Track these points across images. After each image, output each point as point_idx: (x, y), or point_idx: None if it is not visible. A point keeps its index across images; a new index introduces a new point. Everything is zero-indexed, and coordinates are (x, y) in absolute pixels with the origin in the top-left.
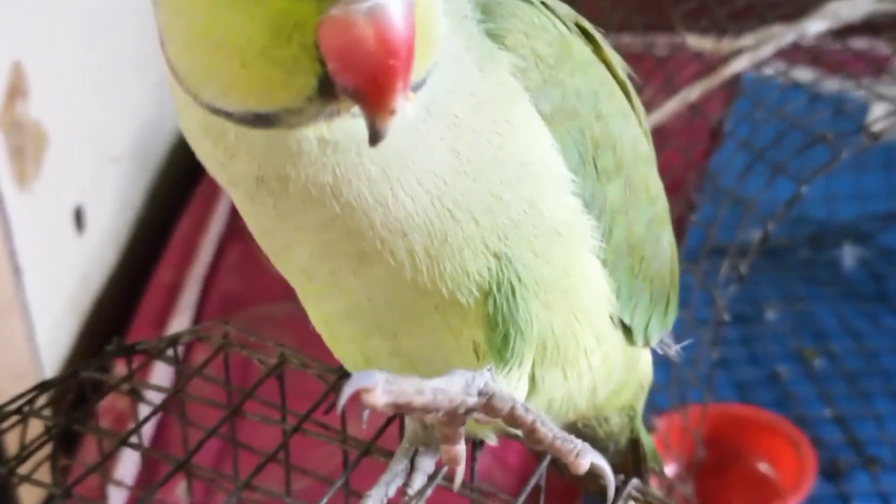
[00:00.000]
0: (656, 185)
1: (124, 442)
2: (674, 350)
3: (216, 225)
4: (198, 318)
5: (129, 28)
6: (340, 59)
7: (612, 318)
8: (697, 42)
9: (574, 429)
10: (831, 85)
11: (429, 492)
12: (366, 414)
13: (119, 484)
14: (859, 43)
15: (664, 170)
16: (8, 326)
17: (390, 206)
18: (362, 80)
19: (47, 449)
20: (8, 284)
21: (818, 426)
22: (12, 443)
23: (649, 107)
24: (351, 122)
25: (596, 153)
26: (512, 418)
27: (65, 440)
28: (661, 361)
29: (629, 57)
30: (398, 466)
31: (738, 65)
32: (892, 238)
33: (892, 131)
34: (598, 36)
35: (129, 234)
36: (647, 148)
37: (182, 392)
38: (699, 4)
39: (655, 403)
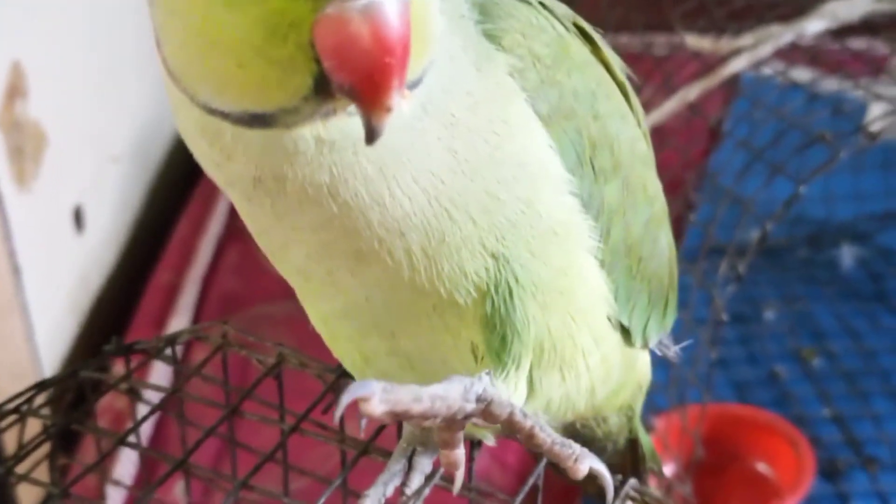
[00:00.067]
0: (654, 186)
1: (123, 441)
2: (672, 351)
3: (215, 225)
4: (197, 318)
5: (128, 28)
6: (336, 57)
7: (610, 320)
8: (696, 42)
9: (572, 429)
10: (830, 85)
11: (426, 491)
12: (363, 422)
13: (117, 483)
14: (857, 43)
15: (663, 169)
16: (7, 326)
17: (387, 206)
18: (358, 77)
19: (46, 448)
20: (7, 284)
21: (817, 426)
22: (10, 442)
23: (648, 106)
24: (347, 122)
25: (593, 154)
26: (510, 424)
27: (63, 439)
28: (659, 361)
29: (627, 57)
30: (396, 466)
31: (737, 64)
32: (890, 238)
33: (891, 131)
34: (596, 36)
35: (129, 234)
36: (645, 148)
37: (180, 392)
38: (698, 4)
39: (654, 403)
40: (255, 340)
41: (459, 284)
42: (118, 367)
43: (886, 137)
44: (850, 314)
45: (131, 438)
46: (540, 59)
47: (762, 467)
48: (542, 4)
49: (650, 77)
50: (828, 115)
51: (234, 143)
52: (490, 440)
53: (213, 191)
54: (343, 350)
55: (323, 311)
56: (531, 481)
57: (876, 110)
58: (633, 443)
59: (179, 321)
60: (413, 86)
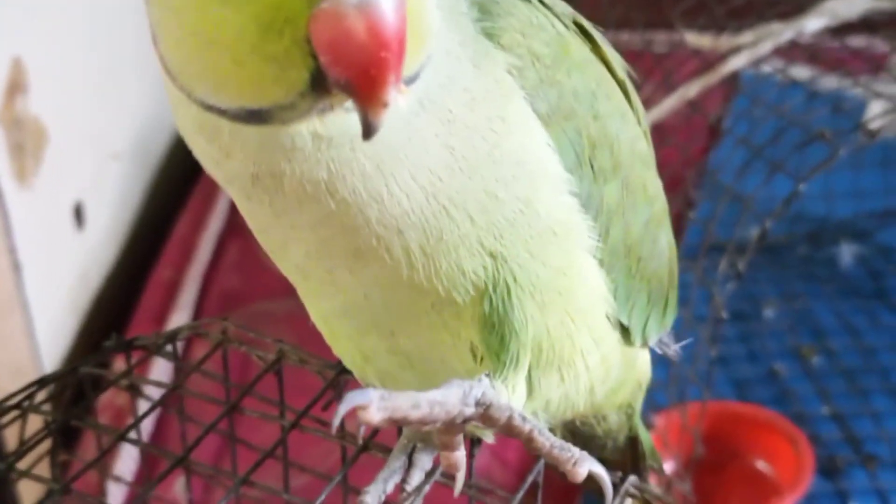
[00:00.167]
0: (654, 186)
1: (123, 437)
2: (672, 349)
3: (215, 222)
4: (197, 315)
5: (129, 25)
6: (332, 52)
7: (609, 319)
8: (696, 39)
9: (572, 427)
10: (829, 82)
11: (427, 488)
12: (362, 429)
13: (118, 479)
14: (857, 41)
15: (662, 167)
16: (7, 323)
17: (385, 203)
18: (354, 72)
19: (46, 444)
20: (7, 281)
21: (816, 423)
22: (11, 438)
23: (648, 104)
24: (344, 118)
25: (593, 153)
26: (509, 428)
27: (64, 436)
28: (660, 359)
29: (628, 54)
30: (396, 463)
31: (737, 62)
32: (889, 235)
33: (890, 129)
34: (596, 34)
35: (129, 231)
36: (645, 148)
37: (181, 388)
38: (698, 2)
39: (654, 401)
40: (255, 337)
41: (457, 283)
42: (118, 364)
43: (886, 135)
44: (849, 312)
45: (132, 435)
46: (539, 58)
47: (762, 465)
48: (541, 3)
49: (650, 75)
50: (827, 112)
51: (231, 140)
52: (489, 438)
53: (213, 188)
54: (343, 348)
55: (323, 309)
56: (531, 478)
57: (875, 108)
58: (633, 440)
59: (180, 318)
60: (410, 81)
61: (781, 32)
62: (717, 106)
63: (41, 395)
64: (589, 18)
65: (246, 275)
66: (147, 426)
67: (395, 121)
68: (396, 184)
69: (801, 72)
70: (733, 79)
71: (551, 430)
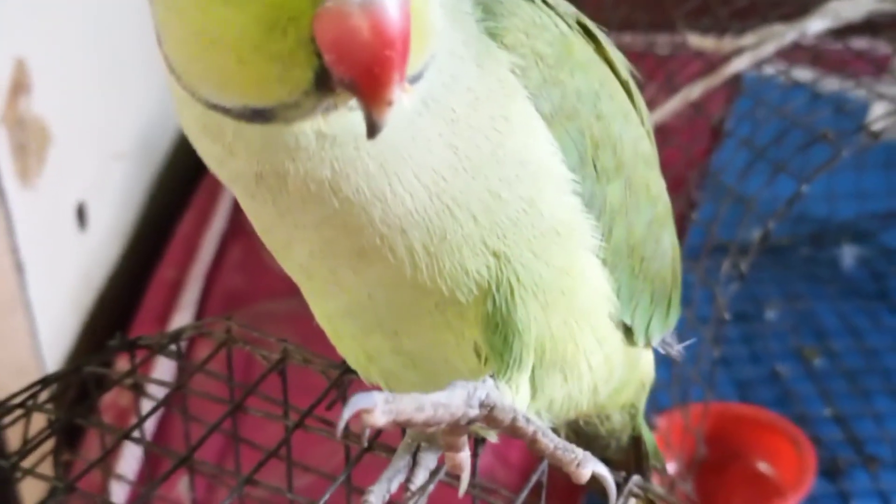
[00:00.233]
0: (657, 186)
1: (126, 437)
2: (676, 349)
3: (218, 222)
4: (200, 315)
5: (132, 24)
6: (336, 50)
7: (612, 319)
8: (699, 41)
9: (576, 426)
10: (832, 84)
11: (431, 488)
12: (367, 432)
13: (121, 479)
14: (860, 42)
15: (665, 168)
16: (10, 323)
17: (389, 202)
18: (358, 71)
19: (50, 443)
20: (10, 281)
21: (818, 425)
22: (15, 437)
23: (651, 105)
24: (348, 116)
25: (596, 154)
26: (513, 429)
27: (67, 435)
28: (662, 360)
29: (630, 56)
30: (400, 462)
31: (740, 64)
32: (892, 237)
33: (893, 130)
34: (600, 34)
35: (132, 231)
36: (648, 148)
37: (184, 387)
38: (701, 3)
39: (657, 402)
40: (259, 336)
41: (461, 282)
42: (121, 363)
43: (888, 137)
44: (851, 313)
45: (135, 434)
46: (543, 58)
47: (764, 466)
48: (545, 3)
49: (653, 76)
50: (830, 114)
51: (235, 139)
52: (493, 437)
53: (216, 187)
54: (347, 348)
55: (327, 308)
56: (535, 478)
57: (878, 110)
58: (636, 440)
59: (182, 318)
60: (414, 80)
61: (784, 34)
62: (720, 107)
63: (45, 395)
64: (592, 19)
65: (249, 275)
66: (150, 425)
67: (398, 120)
68: (400, 183)
69: (803, 73)
70: (736, 80)
71: (555, 429)
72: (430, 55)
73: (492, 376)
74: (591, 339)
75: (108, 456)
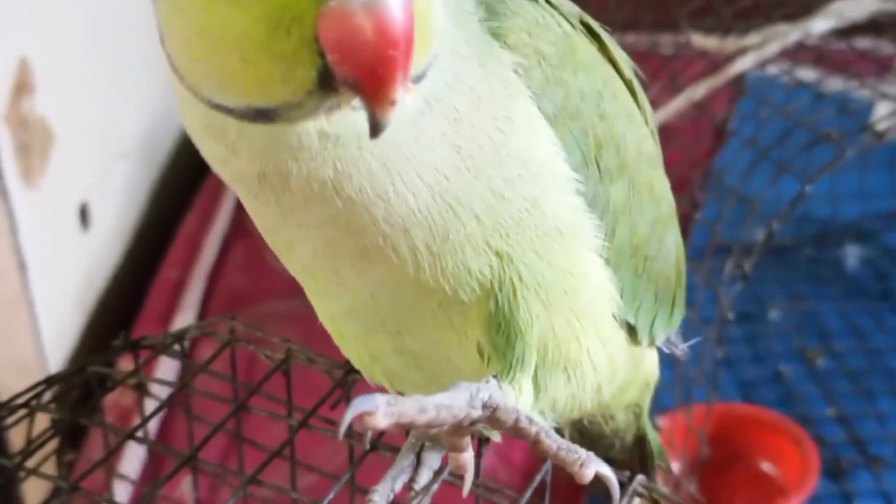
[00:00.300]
0: (661, 186)
1: (130, 436)
2: (680, 349)
3: (221, 222)
4: (202, 315)
5: (135, 24)
6: (339, 50)
7: (615, 318)
8: (702, 41)
9: (580, 426)
10: (835, 84)
11: (435, 487)
12: (369, 434)
13: (124, 478)
14: (864, 42)
15: (668, 168)
16: (13, 322)
17: (392, 201)
18: (361, 70)
19: (53, 443)
20: (13, 281)
21: (821, 425)
22: (19, 437)
23: (654, 105)
24: (351, 116)
25: (599, 153)
26: (516, 430)
27: (71, 435)
28: (665, 360)
29: (634, 55)
30: (404, 462)
31: (743, 64)
32: (895, 237)
33: None
34: (603, 34)
35: (135, 231)
36: (652, 148)
37: (188, 387)
38: (705, 3)
39: (660, 402)
40: (263, 336)
41: (463, 282)
42: (125, 363)
43: (892, 137)
44: (855, 313)
45: (139, 433)
46: (546, 57)
47: (767, 466)
48: (548, 2)
49: (656, 76)
50: (834, 114)
51: (238, 139)
52: (497, 437)
53: (219, 187)
54: (350, 348)
55: (330, 308)
56: (538, 478)
57: (882, 109)
58: (641, 439)
59: (185, 318)
60: (417, 80)
61: (788, 34)
62: (724, 107)
63: (48, 395)
64: (596, 19)
65: (252, 275)
66: (153, 425)
67: (401, 120)
68: (403, 182)
69: (807, 73)
70: (739, 80)
71: (559, 429)
72: (432, 55)
73: (495, 376)
74: (594, 338)
75: (112, 456)
